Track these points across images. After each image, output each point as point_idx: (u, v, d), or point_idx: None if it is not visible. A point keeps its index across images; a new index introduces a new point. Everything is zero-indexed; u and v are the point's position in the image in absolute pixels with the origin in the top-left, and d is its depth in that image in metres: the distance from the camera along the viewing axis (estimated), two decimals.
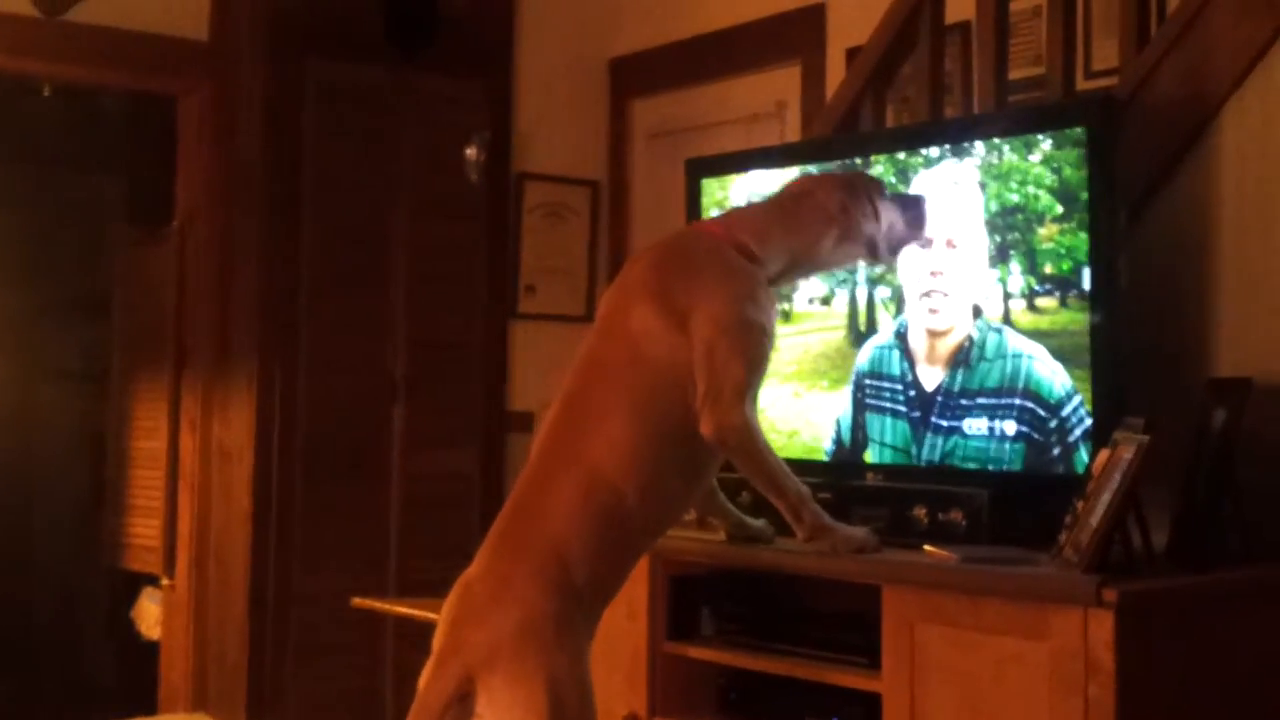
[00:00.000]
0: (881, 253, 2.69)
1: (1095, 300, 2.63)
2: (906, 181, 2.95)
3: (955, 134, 2.95)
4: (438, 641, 2.29)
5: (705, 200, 3.37)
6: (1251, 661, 2.48)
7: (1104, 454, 2.43)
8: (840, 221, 2.63)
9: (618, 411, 2.41)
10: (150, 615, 5.36)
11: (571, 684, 2.22)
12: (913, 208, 2.74)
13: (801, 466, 3.03)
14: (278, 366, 4.76)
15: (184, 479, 5.13)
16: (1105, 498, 2.34)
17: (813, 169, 3.15)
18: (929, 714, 2.48)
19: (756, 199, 2.90)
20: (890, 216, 2.69)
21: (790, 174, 3.20)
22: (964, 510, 2.71)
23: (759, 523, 2.81)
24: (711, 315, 2.45)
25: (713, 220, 2.72)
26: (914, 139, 3.03)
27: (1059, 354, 2.68)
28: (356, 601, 4.06)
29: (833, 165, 3.12)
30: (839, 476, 3.00)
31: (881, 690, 2.57)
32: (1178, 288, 2.86)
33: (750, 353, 2.48)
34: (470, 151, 4.80)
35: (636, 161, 4.97)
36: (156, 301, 5.35)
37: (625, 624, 3.04)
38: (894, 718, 2.53)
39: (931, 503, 2.76)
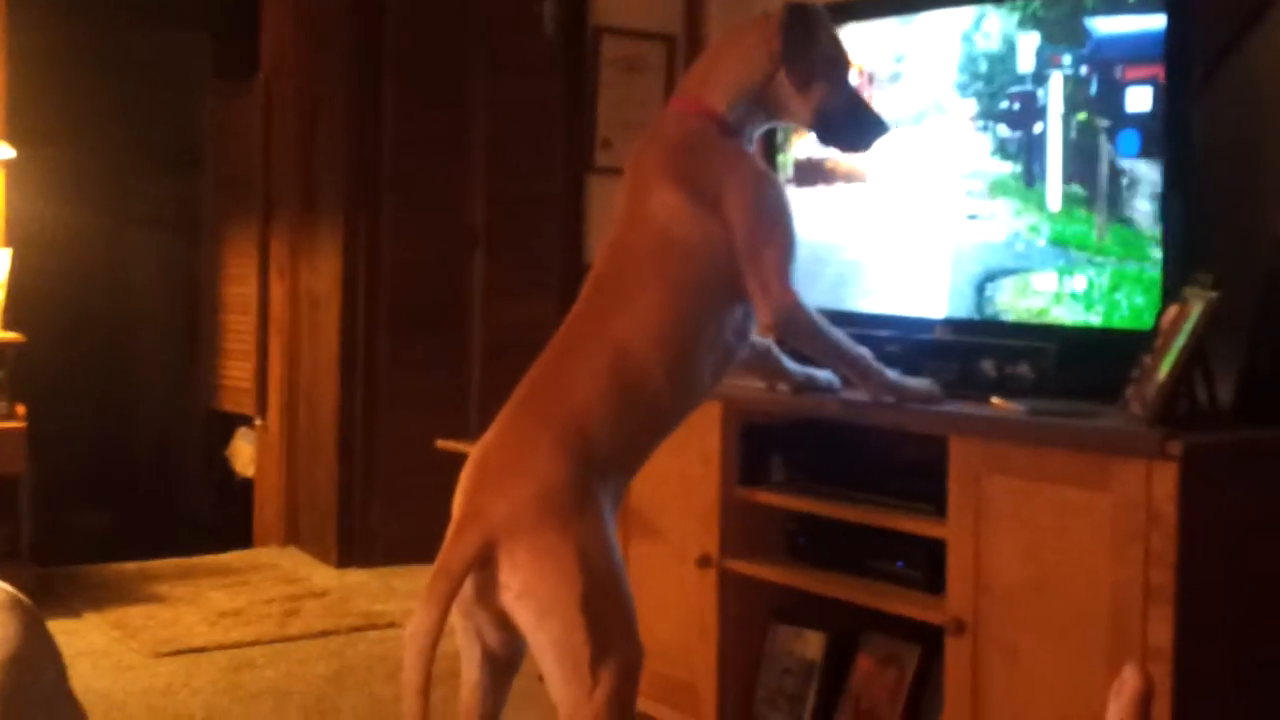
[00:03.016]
0: (818, 103, 2.55)
1: (1169, 156, 2.63)
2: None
3: None
4: (457, 509, 2.26)
5: None
6: None
7: (1173, 309, 2.44)
8: (778, 61, 2.52)
9: (649, 291, 2.40)
10: (244, 454, 5.55)
11: (599, 551, 2.19)
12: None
13: (871, 320, 3.08)
14: (362, 217, 4.85)
15: (274, 324, 5.27)
16: (1173, 352, 2.36)
17: (900, 20, 3.14)
18: (993, 560, 2.54)
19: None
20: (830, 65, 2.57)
21: (878, 26, 3.19)
22: (1031, 364, 2.74)
23: (825, 374, 2.84)
24: (739, 203, 2.46)
25: (684, 95, 2.58)
26: None
27: (1132, 208, 2.68)
28: (441, 443, 4.16)
29: (885, 37, 3.12)
30: (908, 330, 3.04)
31: (947, 537, 2.63)
32: (1251, 145, 2.84)
33: (782, 234, 2.50)
34: (546, 6, 4.79)
35: (713, 16, 4.93)
36: (244, 153, 5.45)
37: (699, 469, 3.13)
38: (958, 564, 2.60)
39: (999, 357, 2.80)
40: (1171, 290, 2.55)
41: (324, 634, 4.12)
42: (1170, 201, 2.62)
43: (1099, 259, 2.72)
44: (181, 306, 6.52)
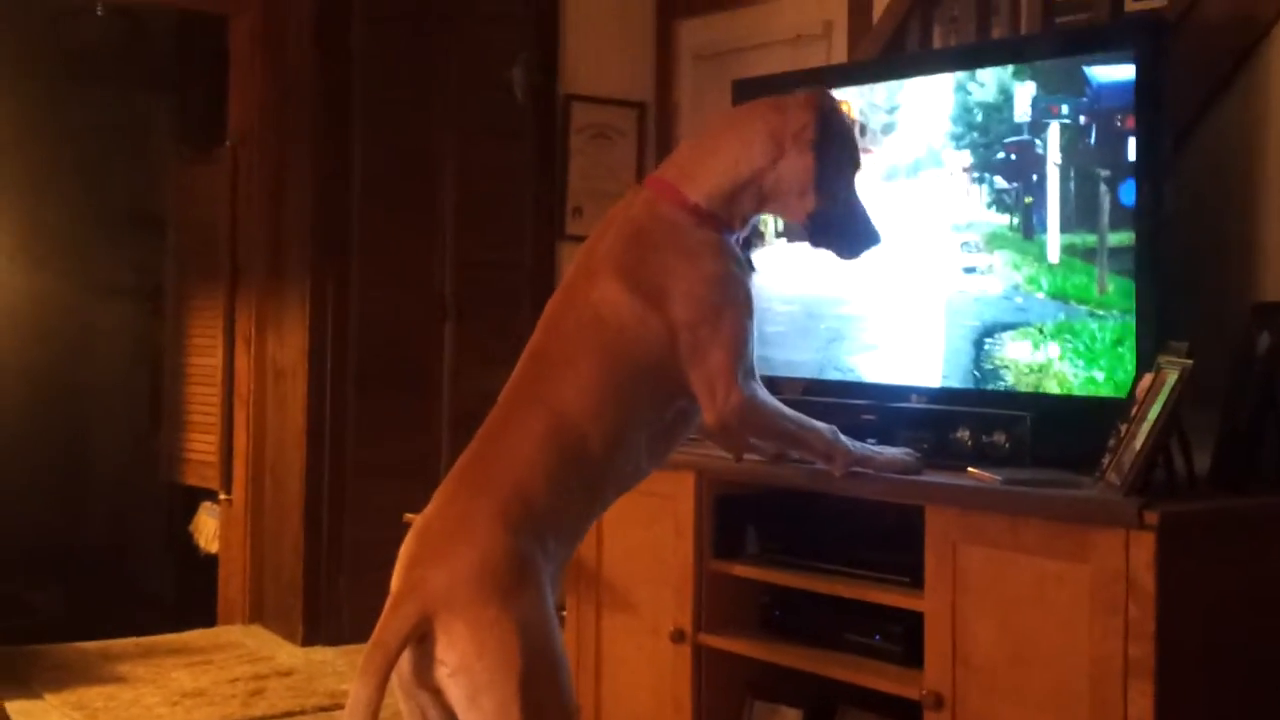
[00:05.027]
0: (820, 190, 2.47)
1: (1141, 225, 2.63)
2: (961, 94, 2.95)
3: (1002, 55, 2.94)
4: (395, 581, 2.21)
5: None
6: None
7: (1148, 378, 2.44)
8: (792, 149, 2.45)
9: (586, 361, 2.35)
10: (208, 529, 5.47)
11: (539, 628, 2.14)
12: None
13: (846, 389, 3.06)
14: (330, 285, 4.82)
15: (239, 396, 5.22)
16: (1148, 421, 2.35)
17: (857, 91, 3.15)
18: (970, 633, 2.52)
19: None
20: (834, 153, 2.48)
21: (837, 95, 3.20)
22: (1007, 433, 2.73)
23: None
24: (684, 299, 2.40)
25: (662, 179, 2.52)
26: (961, 60, 3.02)
27: (1081, 295, 2.67)
28: (409, 517, 4.10)
29: (879, 87, 3.12)
30: (883, 399, 3.02)
31: (924, 609, 2.60)
32: (1223, 212, 2.85)
33: (730, 335, 2.42)
34: (516, 73, 4.80)
35: (683, 83, 4.96)
36: (210, 220, 5.42)
37: (672, 541, 3.09)
38: (936, 636, 2.57)
39: (975, 425, 2.78)
40: (1145, 359, 2.55)
41: (289, 715, 4.04)
42: (1142, 270, 2.62)
43: (1100, 312, 2.69)
44: (144, 377, 6.45)
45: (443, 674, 2.10)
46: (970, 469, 2.64)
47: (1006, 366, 2.84)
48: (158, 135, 6.48)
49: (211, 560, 5.45)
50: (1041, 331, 2.78)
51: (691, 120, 4.90)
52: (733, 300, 2.45)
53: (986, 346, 2.87)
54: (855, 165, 2.54)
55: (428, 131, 4.94)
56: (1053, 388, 2.76)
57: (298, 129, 4.89)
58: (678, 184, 2.49)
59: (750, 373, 2.46)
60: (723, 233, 2.47)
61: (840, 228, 2.52)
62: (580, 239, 4.94)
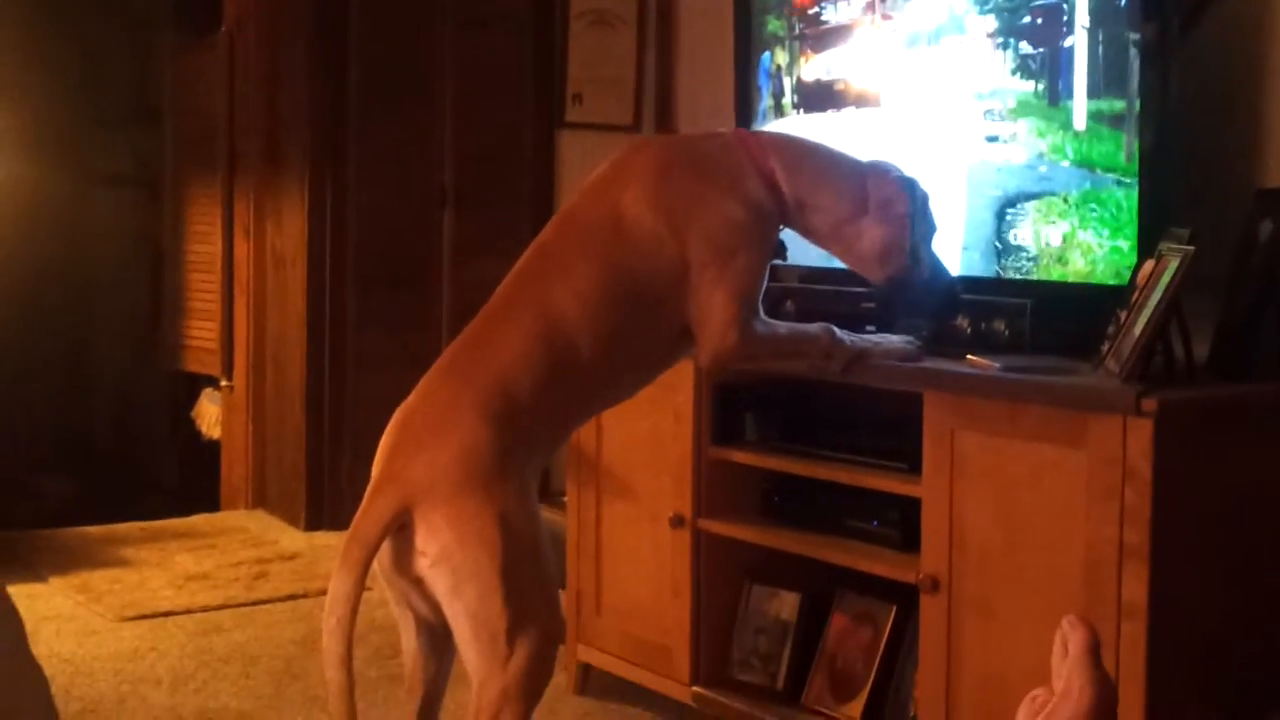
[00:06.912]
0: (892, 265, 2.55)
1: (1144, 110, 2.60)
2: None
3: None
4: (375, 470, 2.19)
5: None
6: None
7: (1148, 264, 2.42)
8: (877, 215, 2.53)
9: (589, 267, 2.35)
10: (210, 415, 5.50)
11: (521, 518, 2.14)
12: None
13: (847, 276, 3.05)
14: (328, 174, 4.80)
15: (239, 283, 5.22)
16: (1148, 309, 2.34)
17: None
18: (967, 518, 2.53)
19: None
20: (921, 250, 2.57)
21: None
22: (1006, 320, 2.72)
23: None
24: (704, 233, 2.40)
25: (752, 133, 2.54)
26: None
27: (1107, 163, 2.64)
28: None
29: None
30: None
31: (921, 495, 2.61)
32: (1227, 98, 2.82)
33: (736, 280, 2.42)
34: None
35: None
36: (207, 108, 5.38)
37: (672, 428, 3.10)
38: (933, 522, 2.59)
39: (974, 313, 2.77)
40: (1147, 245, 2.54)
41: (292, 597, 4.09)
42: (1144, 153, 2.59)
43: (1128, 180, 2.63)
44: (143, 266, 6.43)
45: (423, 564, 2.11)
46: (969, 356, 2.64)
47: (1029, 237, 2.79)
48: (155, 24, 6.39)
49: (214, 446, 5.48)
50: (1066, 201, 2.74)
51: (691, 6, 4.83)
52: (747, 247, 2.45)
53: (1008, 217, 2.83)
54: (935, 230, 2.62)
55: (426, 19, 4.89)
56: (1076, 258, 2.73)
57: (295, 16, 4.83)
58: (767, 150, 2.49)
59: (754, 312, 2.47)
60: (773, 203, 2.49)
61: (923, 287, 2.60)
62: (581, 126, 4.93)
